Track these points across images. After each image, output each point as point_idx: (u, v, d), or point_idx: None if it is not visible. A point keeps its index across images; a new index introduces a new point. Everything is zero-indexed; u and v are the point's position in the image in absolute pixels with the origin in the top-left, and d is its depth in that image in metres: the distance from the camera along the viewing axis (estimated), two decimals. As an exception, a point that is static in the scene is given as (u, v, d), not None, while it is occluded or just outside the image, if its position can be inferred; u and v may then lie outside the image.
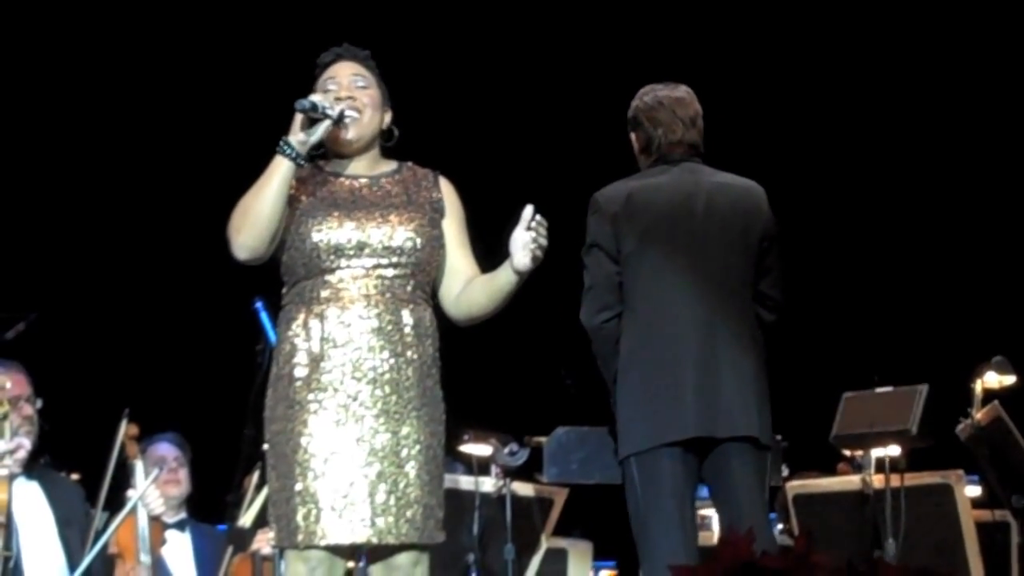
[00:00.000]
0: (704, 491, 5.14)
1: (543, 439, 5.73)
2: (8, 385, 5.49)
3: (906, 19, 9.18)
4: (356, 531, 4.06)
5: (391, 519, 4.07)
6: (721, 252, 4.99)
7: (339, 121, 4.20)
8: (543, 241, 4.12)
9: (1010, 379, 6.21)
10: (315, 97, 4.19)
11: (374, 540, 4.07)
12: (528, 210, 4.13)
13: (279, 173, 4.13)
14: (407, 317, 4.17)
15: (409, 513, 4.09)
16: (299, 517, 4.06)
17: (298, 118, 4.15)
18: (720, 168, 5.15)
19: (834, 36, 9.32)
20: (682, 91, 5.18)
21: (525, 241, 4.11)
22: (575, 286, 5.09)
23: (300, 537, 4.06)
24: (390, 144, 4.37)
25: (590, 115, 9.37)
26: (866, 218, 9.44)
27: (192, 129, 9.10)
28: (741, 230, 5.02)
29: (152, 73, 9.19)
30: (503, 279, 4.21)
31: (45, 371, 5.86)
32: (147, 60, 9.17)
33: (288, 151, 4.13)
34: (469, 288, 4.30)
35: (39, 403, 5.68)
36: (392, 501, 4.08)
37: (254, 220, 4.13)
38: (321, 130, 4.17)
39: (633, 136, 5.20)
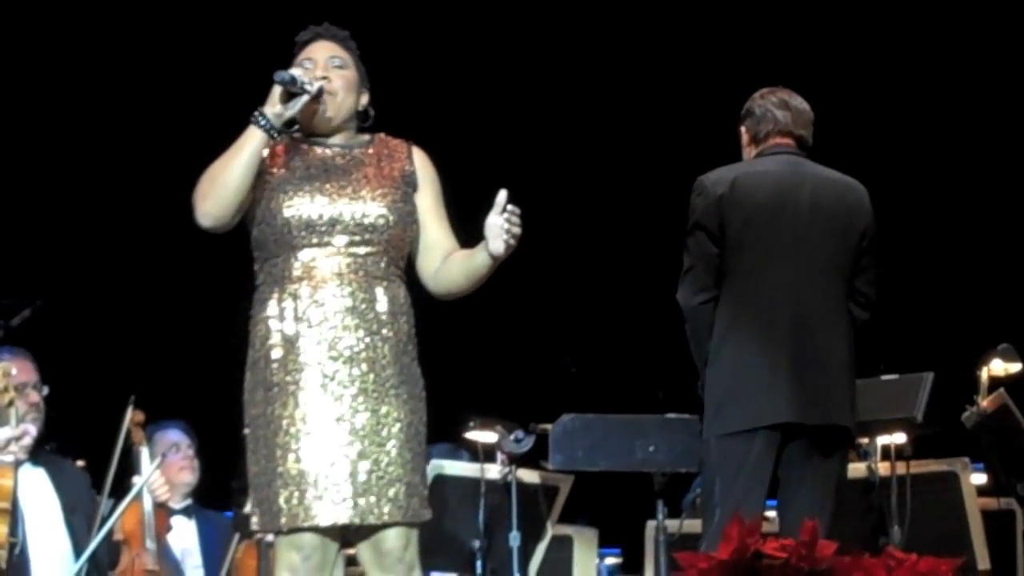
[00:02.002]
0: None
1: (548, 426, 5.74)
2: (14, 372, 5.49)
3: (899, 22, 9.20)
4: (339, 512, 4.02)
5: (373, 499, 4.03)
6: (822, 245, 5.03)
7: (318, 97, 4.17)
8: (516, 230, 4.08)
9: (1016, 367, 6.19)
10: (295, 71, 4.15)
11: (356, 520, 4.04)
12: (502, 195, 4.08)
13: (251, 144, 4.10)
14: (381, 295, 4.14)
15: (391, 492, 4.05)
16: (281, 500, 4.03)
17: (275, 90, 4.11)
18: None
19: (842, 37, 9.32)
20: (799, 98, 5.23)
21: (499, 228, 4.08)
22: (577, 273, 5.11)
23: (283, 520, 4.03)
24: (366, 125, 4.34)
25: (573, 94, 9.39)
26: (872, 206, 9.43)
27: (197, 116, 9.10)
28: (843, 225, 5.06)
29: (156, 61, 9.19)
30: (479, 261, 4.17)
31: (51, 358, 5.86)
32: (148, 46, 9.17)
33: (263, 122, 4.10)
34: (447, 264, 4.26)
35: (45, 390, 5.69)
36: (374, 480, 4.04)
37: (220, 189, 4.10)
38: (299, 105, 4.13)
39: (743, 129, 5.26)
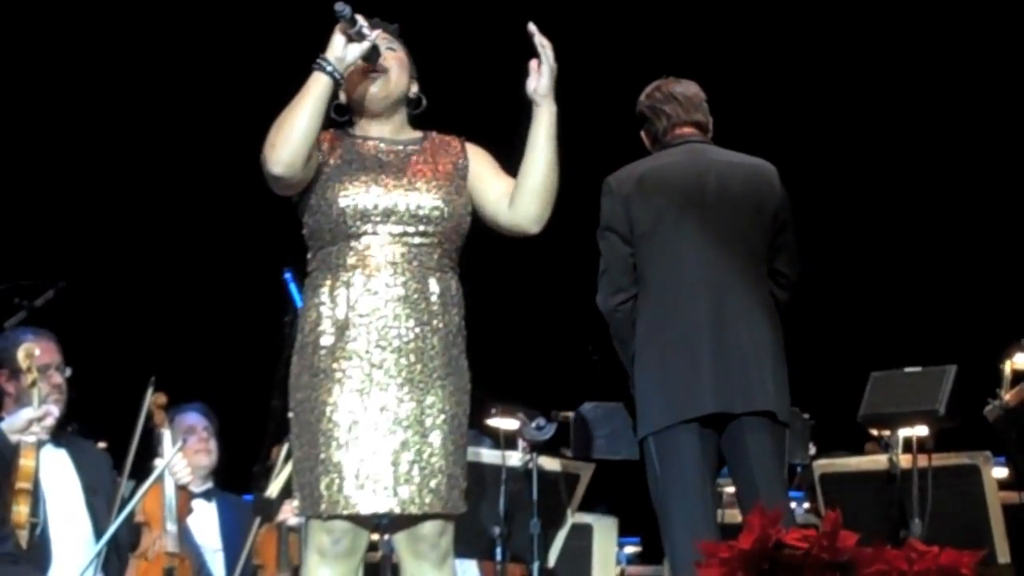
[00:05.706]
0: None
1: (570, 414, 5.74)
2: (37, 353, 5.52)
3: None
4: (379, 501, 4.02)
5: (414, 489, 4.04)
6: (733, 230, 5.00)
7: (374, 54, 4.18)
8: (550, 54, 4.15)
9: (1039, 360, 6.19)
10: (357, 15, 4.15)
11: (397, 510, 4.04)
12: (531, 26, 4.15)
13: (316, 87, 4.11)
14: (433, 286, 4.15)
15: (433, 483, 4.06)
16: (322, 486, 4.03)
17: (335, 37, 4.12)
18: (744, 149, 5.17)
19: (870, 23, 9.30)
20: (685, 81, 5.24)
21: (533, 68, 4.16)
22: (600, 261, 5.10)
23: (323, 506, 4.03)
24: (418, 112, 4.36)
25: (587, 87, 9.37)
26: (895, 197, 9.42)
27: (221, 100, 9.11)
28: (753, 208, 5.04)
29: (184, 44, 9.20)
30: (538, 129, 4.22)
31: (74, 339, 5.87)
32: (172, 33, 9.18)
33: (325, 66, 4.11)
34: (516, 186, 4.26)
35: (68, 371, 5.71)
36: (416, 471, 4.05)
37: (289, 134, 4.08)
38: (358, 52, 4.13)
39: (643, 133, 5.27)
